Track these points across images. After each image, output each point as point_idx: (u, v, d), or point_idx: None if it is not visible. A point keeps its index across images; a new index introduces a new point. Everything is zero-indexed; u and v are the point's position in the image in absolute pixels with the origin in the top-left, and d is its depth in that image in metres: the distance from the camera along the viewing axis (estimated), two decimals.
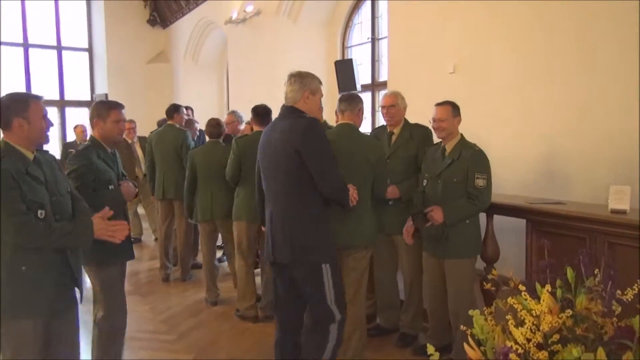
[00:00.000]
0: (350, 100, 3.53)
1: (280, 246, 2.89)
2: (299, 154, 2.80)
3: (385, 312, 4.15)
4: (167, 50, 12.87)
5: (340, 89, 6.60)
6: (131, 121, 7.53)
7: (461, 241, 3.36)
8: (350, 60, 6.64)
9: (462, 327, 2.31)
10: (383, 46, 7.61)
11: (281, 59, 8.52)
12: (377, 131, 4.24)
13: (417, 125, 3.96)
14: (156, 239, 7.58)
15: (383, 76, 7.57)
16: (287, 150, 2.84)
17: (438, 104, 3.55)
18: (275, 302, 3.17)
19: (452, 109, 3.51)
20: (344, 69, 6.57)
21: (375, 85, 7.65)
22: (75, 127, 7.55)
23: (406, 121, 3.96)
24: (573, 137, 4.49)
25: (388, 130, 3.99)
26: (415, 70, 5.84)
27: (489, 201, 3.33)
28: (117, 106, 3.08)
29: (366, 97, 7.53)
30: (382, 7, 7.56)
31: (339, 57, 8.33)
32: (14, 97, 2.38)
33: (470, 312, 2.13)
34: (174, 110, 5.95)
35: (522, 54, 4.86)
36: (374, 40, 7.68)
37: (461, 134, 3.52)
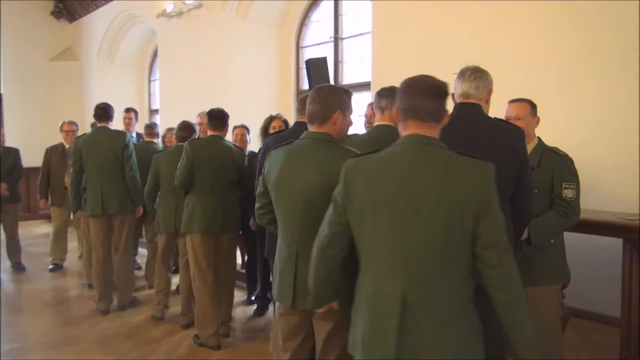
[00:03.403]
0: (392, 96, 2.86)
1: None
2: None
3: None
4: (75, 46, 11.41)
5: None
6: (72, 123, 6.30)
7: (546, 264, 2.79)
8: (324, 58, 5.95)
9: None
10: (346, 46, 7.05)
11: (227, 58, 7.70)
12: None
13: None
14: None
15: (347, 78, 7.00)
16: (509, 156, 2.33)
17: (512, 101, 3.01)
18: None
19: (530, 107, 2.97)
20: (317, 67, 5.86)
21: None
22: None
23: None
24: (586, 144, 4.16)
25: None
26: (407, 70, 5.27)
27: (579, 215, 2.80)
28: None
29: None
30: (345, 5, 7.01)
31: (293, 58, 7.68)
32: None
33: None
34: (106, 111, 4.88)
35: (537, 56, 4.49)
36: (336, 39, 7.06)
37: (538, 137, 2.97)
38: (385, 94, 2.93)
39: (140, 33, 10.20)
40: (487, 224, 1.61)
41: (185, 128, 4.48)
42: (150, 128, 5.79)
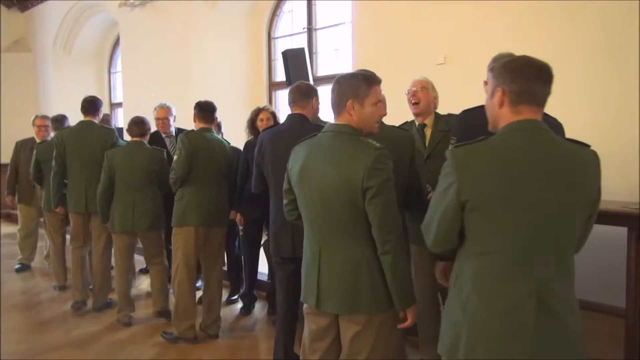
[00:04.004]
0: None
1: None
2: None
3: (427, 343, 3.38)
4: (27, 37, 10.84)
5: (290, 83, 5.76)
6: (45, 117, 5.95)
7: None
8: (302, 49, 5.86)
9: None
10: (320, 37, 6.91)
11: (195, 50, 7.46)
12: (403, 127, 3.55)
13: (450, 115, 3.37)
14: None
15: (321, 70, 6.88)
16: None
17: None
18: None
19: None
20: (295, 59, 5.77)
21: (313, 80, 6.88)
22: None
23: (438, 113, 3.42)
24: (586, 134, 4.18)
25: (417, 123, 3.37)
26: (391, 61, 5.23)
27: None
28: (377, 81, 2.14)
29: None
30: None
31: (264, 49, 7.49)
32: None
33: None
34: (93, 104, 4.72)
35: (523, 43, 4.47)
36: (310, 30, 6.92)
37: None
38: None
39: (100, 23, 9.77)
40: (595, 214, 1.61)
41: (142, 123, 4.31)
42: (107, 122, 5.53)
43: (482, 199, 1.56)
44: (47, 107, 9.88)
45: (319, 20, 6.93)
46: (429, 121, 3.37)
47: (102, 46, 10.39)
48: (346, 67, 6.25)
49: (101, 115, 4.85)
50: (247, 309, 4.50)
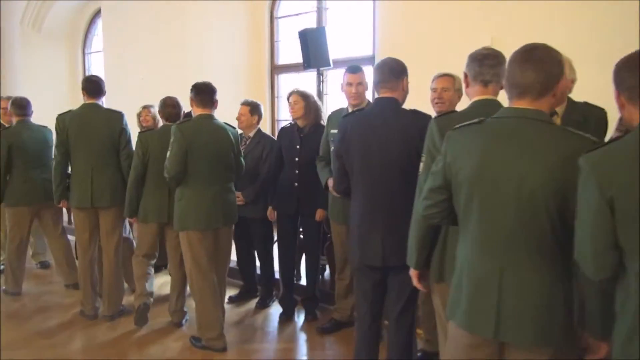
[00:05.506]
0: (500, 66, 2.15)
1: None
2: None
3: None
4: None
5: (309, 66, 5.31)
6: (10, 99, 5.26)
7: None
8: (322, 28, 5.39)
9: None
10: (331, 17, 6.46)
11: (189, 30, 6.88)
12: None
13: (587, 105, 2.96)
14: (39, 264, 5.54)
15: (333, 53, 6.39)
16: None
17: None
18: None
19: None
20: (314, 40, 5.28)
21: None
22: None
23: (571, 100, 2.94)
24: None
25: None
26: (421, 40, 4.86)
27: None
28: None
29: (311, 76, 6.16)
30: None
31: (266, 30, 6.96)
32: None
33: None
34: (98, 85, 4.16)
35: (573, 26, 4.19)
36: (320, 10, 6.46)
37: None
38: (492, 64, 2.18)
39: None
40: None
41: (174, 105, 3.90)
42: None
43: (627, 198, 1.34)
44: (13, 88, 9.07)
45: None
46: (560, 109, 2.87)
47: (77, 24, 9.58)
48: (365, 51, 5.82)
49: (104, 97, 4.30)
50: (287, 315, 4.05)
